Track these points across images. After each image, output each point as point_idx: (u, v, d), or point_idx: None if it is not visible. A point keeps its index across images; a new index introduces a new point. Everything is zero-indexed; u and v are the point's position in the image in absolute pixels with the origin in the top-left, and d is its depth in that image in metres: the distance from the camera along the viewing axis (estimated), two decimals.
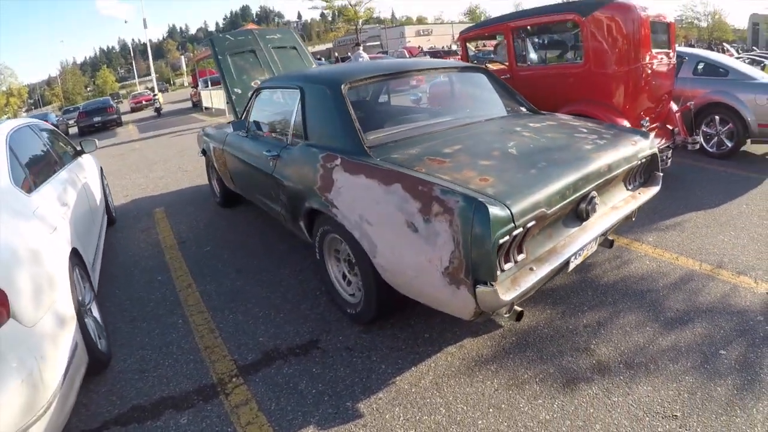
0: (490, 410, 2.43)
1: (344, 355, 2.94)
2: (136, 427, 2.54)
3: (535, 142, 3.17)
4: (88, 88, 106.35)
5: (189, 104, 28.43)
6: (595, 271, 3.77)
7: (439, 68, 4.08)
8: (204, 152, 6.09)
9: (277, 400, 2.62)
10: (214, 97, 20.30)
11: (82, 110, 23.72)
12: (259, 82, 6.10)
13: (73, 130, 24.42)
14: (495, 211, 2.15)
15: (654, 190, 3.35)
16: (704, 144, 7.33)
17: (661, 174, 3.51)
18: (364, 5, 26.00)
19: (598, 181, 2.79)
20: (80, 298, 2.91)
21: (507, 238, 2.20)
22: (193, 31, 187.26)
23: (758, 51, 22.95)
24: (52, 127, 5.35)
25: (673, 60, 5.96)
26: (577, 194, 2.62)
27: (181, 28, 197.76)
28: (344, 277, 3.34)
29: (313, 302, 3.60)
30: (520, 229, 2.25)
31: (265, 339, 3.19)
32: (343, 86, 3.27)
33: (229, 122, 6.06)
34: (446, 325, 3.15)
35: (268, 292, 3.82)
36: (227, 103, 6.07)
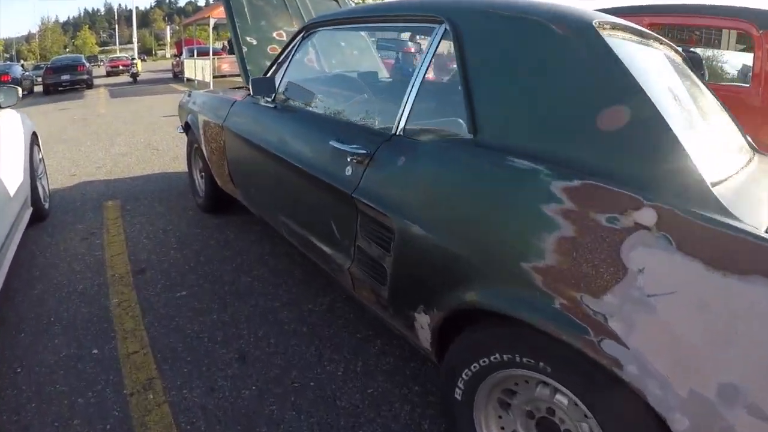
0: None
1: None
2: None
3: None
4: (67, 48, 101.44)
5: (169, 74, 25.91)
6: None
7: None
8: (186, 128, 4.03)
9: None
10: (199, 69, 18.00)
11: (50, 66, 21.00)
12: (284, 34, 4.07)
13: (39, 89, 21.60)
14: None
15: None
16: None
17: None
18: None
19: None
20: None
21: None
22: (182, 3, 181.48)
23: None
24: None
25: None
26: None
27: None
28: None
29: None
30: None
31: None
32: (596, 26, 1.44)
33: (237, 87, 4.04)
34: None
35: (312, 422, 1.82)
36: (236, 59, 3.97)
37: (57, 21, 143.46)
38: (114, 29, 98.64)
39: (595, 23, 1.43)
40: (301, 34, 2.56)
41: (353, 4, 4.98)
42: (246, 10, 4.05)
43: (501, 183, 1.36)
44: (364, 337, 2.43)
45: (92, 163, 6.11)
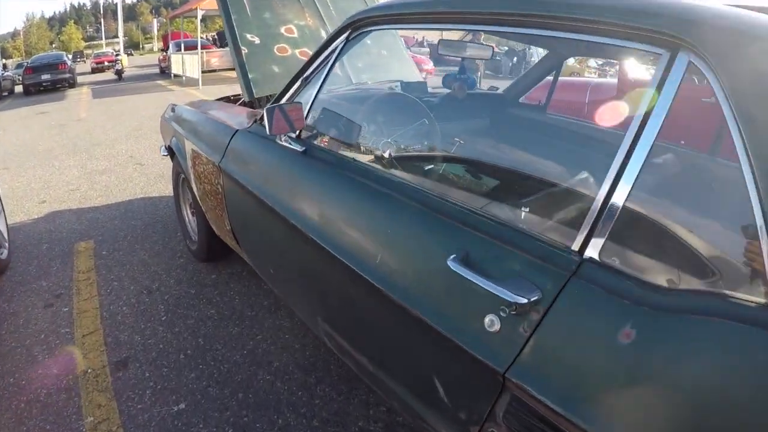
0: None
1: None
2: None
3: None
4: (53, 44, 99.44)
5: (156, 69, 24.78)
6: None
7: None
8: (170, 152, 3.13)
9: None
10: (187, 64, 16.97)
11: (29, 65, 19.71)
12: (294, 30, 3.18)
13: (19, 89, 20.39)
14: None
15: None
16: None
17: None
18: None
19: None
20: None
21: None
22: None
23: None
24: None
25: None
26: None
27: None
28: None
29: None
30: None
31: None
32: None
33: (232, 96, 3.21)
34: None
35: None
36: (234, 64, 3.07)
37: (43, 17, 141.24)
38: (100, 23, 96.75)
39: None
40: (345, 35, 1.65)
41: None
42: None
43: None
44: None
45: (65, 184, 5.23)
